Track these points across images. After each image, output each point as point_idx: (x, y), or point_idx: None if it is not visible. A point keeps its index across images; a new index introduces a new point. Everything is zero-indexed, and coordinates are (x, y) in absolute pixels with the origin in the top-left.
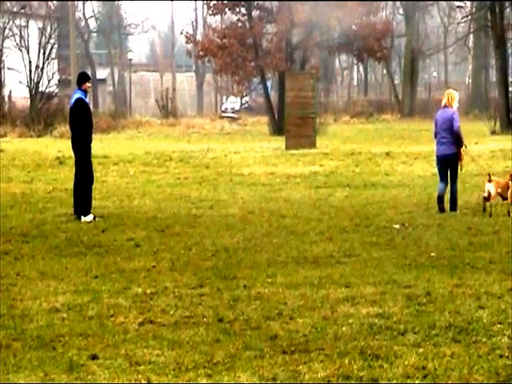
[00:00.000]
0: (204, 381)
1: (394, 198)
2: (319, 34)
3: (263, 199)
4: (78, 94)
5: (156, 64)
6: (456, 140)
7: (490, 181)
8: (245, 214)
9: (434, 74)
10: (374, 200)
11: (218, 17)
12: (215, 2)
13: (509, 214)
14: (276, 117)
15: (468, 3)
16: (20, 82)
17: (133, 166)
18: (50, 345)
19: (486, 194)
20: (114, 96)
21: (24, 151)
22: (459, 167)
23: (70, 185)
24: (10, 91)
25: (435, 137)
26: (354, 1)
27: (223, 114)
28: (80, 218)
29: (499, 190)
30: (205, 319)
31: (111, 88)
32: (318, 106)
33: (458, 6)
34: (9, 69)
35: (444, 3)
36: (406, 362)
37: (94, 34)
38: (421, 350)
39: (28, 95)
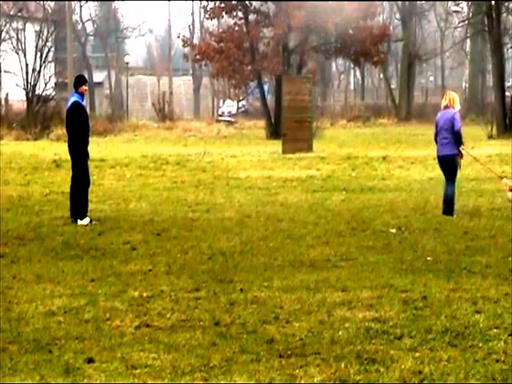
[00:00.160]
0: None
1: (390, 202)
2: (316, 38)
3: (260, 203)
4: (74, 97)
5: (153, 67)
6: (456, 140)
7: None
8: (241, 218)
9: (431, 78)
10: (370, 204)
11: (215, 20)
12: (212, 5)
13: None
14: (273, 120)
15: (465, 8)
16: (17, 85)
17: (129, 170)
18: (46, 348)
19: None
20: (110, 99)
21: (21, 154)
22: (458, 166)
23: (67, 188)
24: (7, 94)
25: (435, 138)
26: (353, 1)
27: (220, 118)
28: (76, 221)
29: None
30: (201, 323)
31: (108, 91)
32: (314, 109)
33: (455, 11)
34: (5, 72)
35: (441, 8)
36: (403, 367)
37: (91, 37)
38: (417, 354)
39: (25, 98)
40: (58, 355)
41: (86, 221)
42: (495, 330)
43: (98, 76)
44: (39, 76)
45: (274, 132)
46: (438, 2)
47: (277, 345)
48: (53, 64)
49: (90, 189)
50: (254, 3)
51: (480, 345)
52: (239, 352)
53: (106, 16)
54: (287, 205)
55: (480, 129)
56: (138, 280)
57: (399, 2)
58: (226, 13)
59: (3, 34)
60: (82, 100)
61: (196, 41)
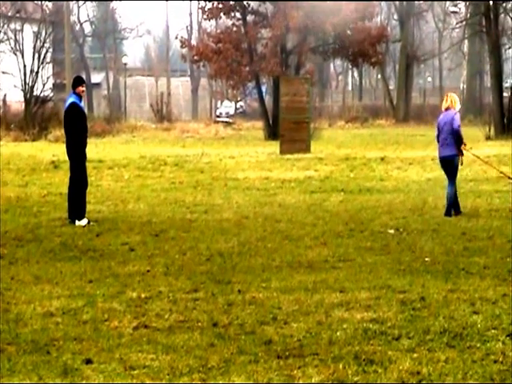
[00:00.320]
0: None
1: (388, 203)
2: (314, 38)
3: (258, 204)
4: (72, 99)
5: (151, 68)
6: (456, 140)
7: None
8: (239, 219)
9: (429, 79)
10: (368, 205)
11: (213, 21)
12: (210, 6)
13: None
14: (271, 121)
15: (463, 9)
16: (15, 86)
17: (127, 171)
18: (44, 349)
19: None
20: (108, 100)
21: (19, 155)
22: (459, 162)
23: (65, 189)
24: (5, 95)
25: (437, 140)
26: (351, 1)
27: (218, 119)
28: (74, 222)
29: None
30: (199, 324)
31: (106, 92)
32: (312, 110)
33: (453, 12)
34: (3, 73)
35: (439, 9)
36: (401, 367)
37: (89, 38)
38: (415, 355)
39: (23, 99)
40: (56, 356)
41: (84, 222)
42: (493, 331)
43: (96, 77)
44: (37, 77)
45: (272, 133)
46: (435, 3)
47: (275, 346)
48: (51, 65)
49: (87, 190)
50: (251, 4)
51: (478, 345)
52: (237, 353)
53: (103, 17)
54: (285, 206)
55: (478, 130)
56: (136, 281)
57: (397, 3)
58: (224, 14)
59: (1, 34)
60: (80, 101)
61: (194, 42)
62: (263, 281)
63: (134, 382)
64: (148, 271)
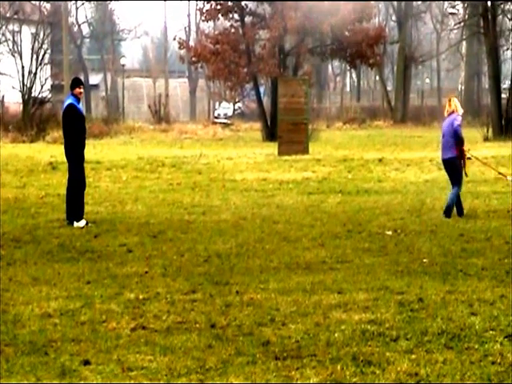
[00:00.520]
0: None
1: (386, 205)
2: (312, 40)
3: (256, 205)
4: (69, 100)
5: (149, 69)
6: (456, 141)
7: None
8: (237, 220)
9: (427, 80)
10: (366, 206)
11: (211, 23)
12: (208, 7)
13: None
14: (269, 123)
15: (461, 10)
16: (13, 88)
17: (125, 172)
18: (42, 350)
19: None
20: (106, 101)
21: (17, 156)
22: (463, 172)
23: (63, 190)
24: (3, 96)
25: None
26: (349, 1)
27: (216, 120)
28: (72, 224)
29: None
30: (197, 325)
31: (104, 93)
32: (310, 112)
33: (451, 13)
34: (1, 74)
35: (437, 10)
36: (399, 369)
37: (87, 40)
38: (413, 356)
39: (21, 100)
40: (54, 357)
41: (82, 223)
42: (491, 332)
43: (94, 78)
44: (35, 78)
45: (270, 134)
46: (433, 4)
47: (273, 347)
48: (49, 66)
49: (85, 191)
50: (249, 5)
51: (476, 347)
52: (235, 354)
53: (101, 18)
54: (283, 207)
55: (476, 131)
56: (134, 282)
57: (395, 4)
58: (222, 15)
59: None
60: (78, 102)
61: (192, 43)
62: (261, 282)
63: (132, 383)
64: (146, 272)
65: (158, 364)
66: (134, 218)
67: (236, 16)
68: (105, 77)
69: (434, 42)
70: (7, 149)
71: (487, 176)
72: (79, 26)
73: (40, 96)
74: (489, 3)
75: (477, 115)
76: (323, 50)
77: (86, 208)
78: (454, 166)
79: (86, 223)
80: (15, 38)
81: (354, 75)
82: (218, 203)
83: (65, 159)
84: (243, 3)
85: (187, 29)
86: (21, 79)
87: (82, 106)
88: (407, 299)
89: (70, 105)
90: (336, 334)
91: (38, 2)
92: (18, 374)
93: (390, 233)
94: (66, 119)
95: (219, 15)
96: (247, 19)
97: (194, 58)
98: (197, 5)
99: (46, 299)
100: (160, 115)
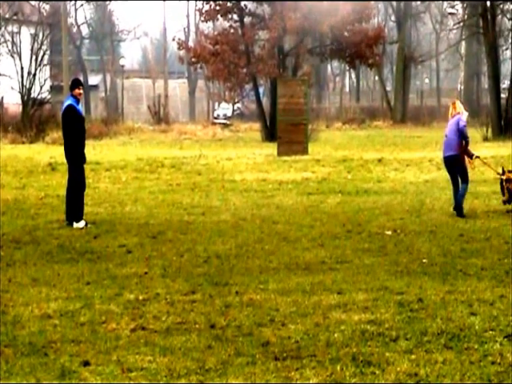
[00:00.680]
0: None
1: (386, 205)
2: (311, 40)
3: (255, 206)
4: (68, 101)
5: (148, 70)
6: (460, 140)
7: None
8: (237, 221)
9: (426, 80)
10: (366, 206)
11: (211, 23)
12: (207, 8)
13: None
14: (268, 123)
15: (460, 10)
16: (12, 88)
17: (125, 173)
18: (41, 351)
19: None
20: (106, 102)
21: (16, 157)
22: (470, 165)
23: (63, 191)
24: (2, 97)
25: None
26: (349, 1)
27: (215, 121)
28: (72, 225)
29: None
30: (197, 325)
31: (103, 94)
32: (309, 112)
33: (450, 13)
34: (1, 75)
35: (436, 10)
36: (398, 369)
37: (87, 41)
38: (413, 356)
39: (20, 101)
40: (54, 358)
41: (82, 224)
42: (491, 332)
43: (94, 79)
44: (34, 79)
45: (270, 134)
46: (433, 4)
47: (272, 347)
48: (48, 67)
49: (85, 192)
50: (249, 6)
51: (476, 347)
52: (235, 355)
53: (101, 19)
54: (283, 207)
55: (475, 131)
56: (133, 283)
57: (394, 4)
58: (221, 15)
59: None
60: (78, 103)
61: (191, 43)
62: (261, 283)
63: (132, 383)
64: (145, 273)
65: (157, 365)
66: (134, 219)
67: (235, 16)
68: (104, 77)
69: (434, 42)
70: (7, 150)
71: (487, 176)
72: (78, 26)
73: (39, 97)
74: (488, 3)
75: (476, 115)
76: (322, 50)
77: (86, 209)
78: (456, 163)
79: (86, 224)
80: (14, 39)
81: (353, 75)
82: (217, 204)
83: (64, 160)
84: (242, 4)
85: (186, 29)
86: (20, 80)
87: (81, 107)
88: (407, 299)
89: (70, 106)
90: (336, 335)
91: (37, 3)
92: (17, 375)
93: (389, 233)
94: (66, 120)
95: (218, 16)
96: (246, 20)
97: (193, 59)
98: (196, 5)
99: (46, 300)
100: (159, 116)
